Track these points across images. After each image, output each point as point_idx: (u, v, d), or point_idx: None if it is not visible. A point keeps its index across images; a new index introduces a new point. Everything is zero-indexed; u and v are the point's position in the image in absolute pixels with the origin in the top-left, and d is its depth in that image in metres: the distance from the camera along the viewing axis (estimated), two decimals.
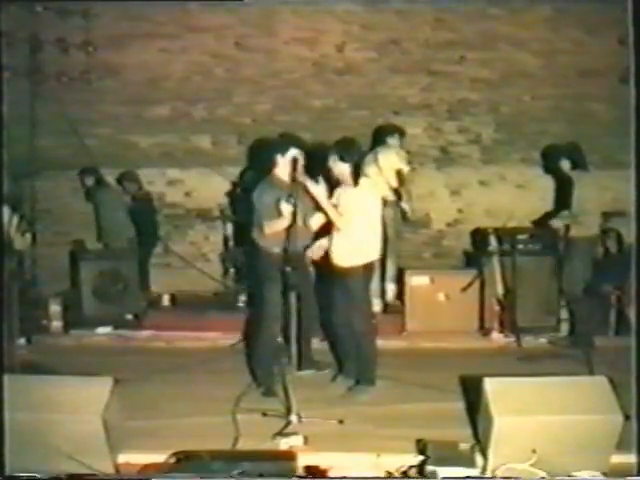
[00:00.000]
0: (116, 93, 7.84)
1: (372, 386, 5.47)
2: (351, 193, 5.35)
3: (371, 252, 5.50)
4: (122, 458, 4.22)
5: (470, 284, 7.34)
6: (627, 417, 3.97)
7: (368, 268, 5.49)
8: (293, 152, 5.40)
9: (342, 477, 4.11)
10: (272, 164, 5.53)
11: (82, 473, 3.93)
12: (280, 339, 5.66)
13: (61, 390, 4.15)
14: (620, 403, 4.04)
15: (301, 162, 5.42)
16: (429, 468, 3.98)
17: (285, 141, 5.47)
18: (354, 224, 5.29)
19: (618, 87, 6.28)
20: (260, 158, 6.78)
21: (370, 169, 6.95)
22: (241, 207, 7.72)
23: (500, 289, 7.46)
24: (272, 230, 5.30)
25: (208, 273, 9.05)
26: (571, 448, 3.94)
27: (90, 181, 8.68)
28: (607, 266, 7.38)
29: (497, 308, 7.43)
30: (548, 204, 8.24)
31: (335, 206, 5.31)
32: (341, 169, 5.36)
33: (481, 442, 4.22)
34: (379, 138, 7.87)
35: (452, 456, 4.09)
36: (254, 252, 5.65)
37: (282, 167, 5.43)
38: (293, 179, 5.27)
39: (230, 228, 8.68)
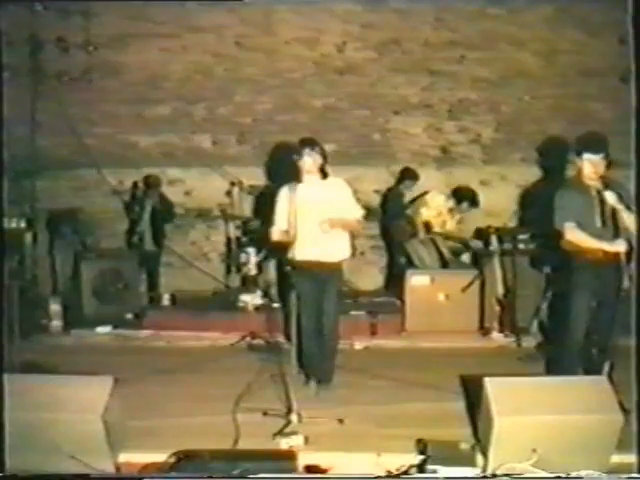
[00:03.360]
0: (116, 93, 7.85)
1: (330, 383, 5.48)
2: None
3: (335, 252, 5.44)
4: (123, 457, 4.21)
5: (470, 284, 7.34)
6: (626, 411, 3.97)
7: (333, 268, 5.43)
8: (589, 155, 5.24)
9: (343, 476, 4.11)
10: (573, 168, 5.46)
11: (83, 472, 3.93)
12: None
13: (61, 390, 4.14)
14: (620, 402, 4.04)
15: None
16: (429, 467, 3.99)
17: (582, 145, 5.42)
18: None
19: (618, 87, 6.30)
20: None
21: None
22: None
23: (500, 289, 7.46)
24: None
25: (209, 273, 9.06)
26: (571, 448, 3.94)
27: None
28: None
29: (497, 308, 7.43)
30: None
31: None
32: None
33: (481, 442, 4.22)
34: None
35: (452, 456, 4.09)
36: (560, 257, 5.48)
37: (583, 170, 5.29)
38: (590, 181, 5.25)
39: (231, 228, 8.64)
